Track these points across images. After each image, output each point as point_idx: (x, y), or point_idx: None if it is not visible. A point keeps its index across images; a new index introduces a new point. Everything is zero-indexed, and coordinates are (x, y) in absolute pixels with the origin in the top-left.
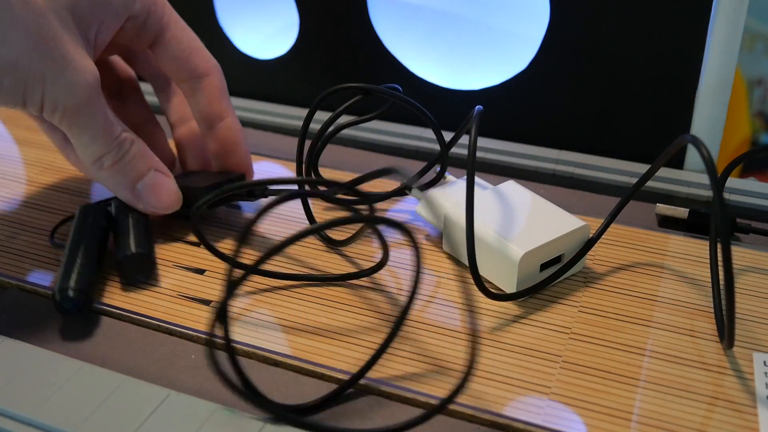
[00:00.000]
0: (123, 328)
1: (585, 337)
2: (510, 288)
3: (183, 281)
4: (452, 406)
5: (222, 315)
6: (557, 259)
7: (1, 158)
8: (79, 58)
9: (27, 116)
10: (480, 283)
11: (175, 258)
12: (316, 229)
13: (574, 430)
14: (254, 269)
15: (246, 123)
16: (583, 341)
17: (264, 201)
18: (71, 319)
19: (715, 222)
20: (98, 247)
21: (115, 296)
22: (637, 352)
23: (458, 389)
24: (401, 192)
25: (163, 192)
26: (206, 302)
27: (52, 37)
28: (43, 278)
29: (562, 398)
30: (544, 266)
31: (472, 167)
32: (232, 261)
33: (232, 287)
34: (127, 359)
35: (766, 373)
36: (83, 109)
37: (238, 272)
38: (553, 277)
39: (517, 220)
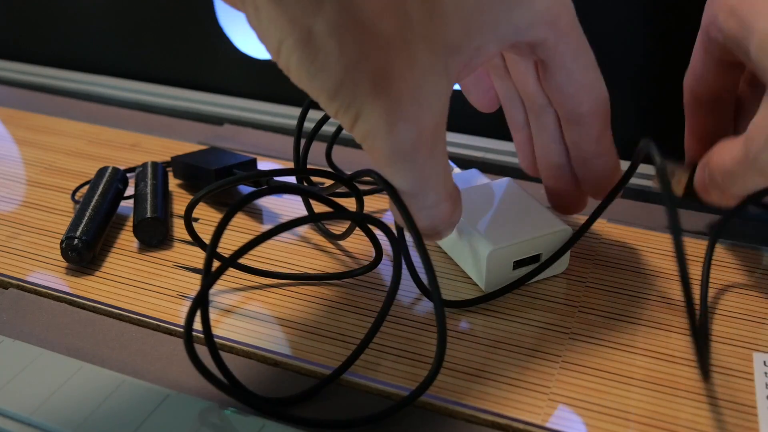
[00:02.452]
0: (123, 327)
1: (585, 337)
2: (481, 282)
3: (183, 281)
4: (451, 407)
5: (202, 306)
6: (536, 258)
7: (1, 158)
8: (410, 104)
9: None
10: (423, 287)
11: (175, 258)
12: (296, 222)
13: (574, 430)
14: (232, 261)
15: (246, 123)
16: (583, 341)
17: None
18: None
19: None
20: (108, 204)
21: (115, 296)
22: (637, 352)
23: (427, 383)
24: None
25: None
26: (207, 302)
27: (382, 74)
28: (43, 278)
29: (562, 398)
30: (518, 264)
31: None
32: (212, 251)
33: (210, 279)
34: (127, 359)
35: (766, 373)
36: (390, 162)
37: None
38: (528, 276)
39: (499, 216)
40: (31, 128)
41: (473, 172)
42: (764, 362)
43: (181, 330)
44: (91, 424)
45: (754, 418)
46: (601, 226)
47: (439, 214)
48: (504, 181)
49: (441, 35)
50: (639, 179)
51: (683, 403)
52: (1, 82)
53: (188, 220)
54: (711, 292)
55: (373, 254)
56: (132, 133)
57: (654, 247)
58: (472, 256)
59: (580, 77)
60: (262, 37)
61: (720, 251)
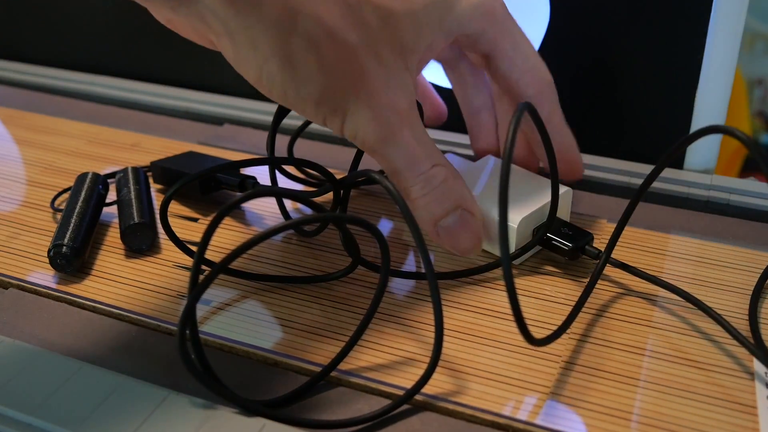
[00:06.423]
0: (123, 327)
1: (585, 337)
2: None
3: (183, 281)
4: (451, 406)
5: (190, 314)
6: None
7: (1, 158)
8: (384, 93)
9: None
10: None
11: (175, 258)
12: (279, 229)
13: (574, 430)
14: (222, 267)
15: (246, 123)
16: (583, 341)
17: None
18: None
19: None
20: (92, 209)
21: (114, 296)
22: (637, 352)
23: (423, 381)
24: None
25: (462, 236)
26: (207, 302)
27: (358, 75)
28: (43, 278)
29: (562, 398)
30: (537, 230)
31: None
32: (200, 257)
33: (200, 288)
34: (127, 359)
35: (766, 373)
36: (382, 144)
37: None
38: (546, 239)
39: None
40: (31, 128)
41: (451, 157)
42: None
43: None
44: (91, 424)
45: (755, 418)
46: (600, 225)
47: (435, 178)
48: (486, 159)
49: (397, 38)
50: (639, 179)
51: (683, 402)
52: (1, 82)
53: (164, 218)
54: (710, 292)
55: (363, 247)
56: (132, 133)
57: (654, 247)
58: (493, 228)
59: (522, 63)
60: (241, 66)
61: (720, 251)
